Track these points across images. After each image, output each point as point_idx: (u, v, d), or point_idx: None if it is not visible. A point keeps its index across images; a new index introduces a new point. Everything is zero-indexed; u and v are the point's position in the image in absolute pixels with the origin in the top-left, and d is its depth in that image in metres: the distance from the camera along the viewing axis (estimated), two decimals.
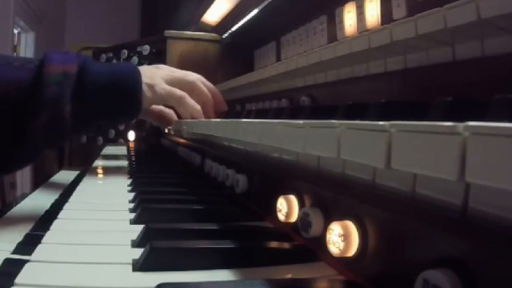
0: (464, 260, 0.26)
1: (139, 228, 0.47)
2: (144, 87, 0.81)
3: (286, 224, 0.48)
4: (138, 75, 0.80)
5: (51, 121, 0.69)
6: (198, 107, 0.91)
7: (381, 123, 0.28)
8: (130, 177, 0.89)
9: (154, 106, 0.96)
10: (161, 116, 1.01)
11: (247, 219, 0.57)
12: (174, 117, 1.01)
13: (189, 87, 0.92)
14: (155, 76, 0.86)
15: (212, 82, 1.01)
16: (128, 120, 0.85)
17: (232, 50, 1.60)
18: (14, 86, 0.68)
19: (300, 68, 0.75)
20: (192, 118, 0.90)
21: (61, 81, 0.70)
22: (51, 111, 0.69)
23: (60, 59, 0.72)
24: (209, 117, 0.93)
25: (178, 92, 0.88)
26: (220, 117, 0.93)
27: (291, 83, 0.90)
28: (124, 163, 1.18)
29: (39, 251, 0.41)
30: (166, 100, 0.87)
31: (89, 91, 0.73)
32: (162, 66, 0.92)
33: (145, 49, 1.72)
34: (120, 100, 0.77)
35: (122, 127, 1.82)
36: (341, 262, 0.38)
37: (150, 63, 1.67)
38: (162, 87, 0.85)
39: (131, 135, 1.81)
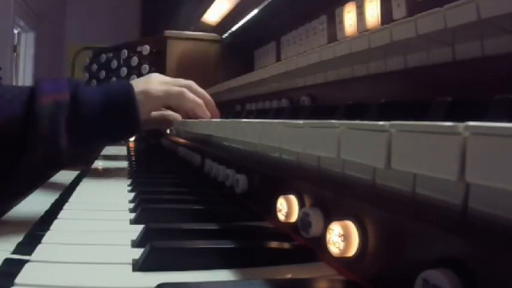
0: (464, 260, 0.26)
1: (139, 228, 0.47)
2: (140, 97, 0.79)
3: (286, 224, 0.48)
4: (130, 88, 0.79)
5: (46, 156, 0.68)
6: (199, 100, 0.89)
7: (380, 123, 0.28)
8: (130, 177, 0.89)
9: (154, 112, 0.92)
10: (164, 119, 0.98)
11: (247, 219, 0.57)
12: (177, 116, 0.98)
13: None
14: (149, 80, 0.85)
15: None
16: (130, 135, 0.84)
17: (232, 50, 1.60)
18: (6, 122, 0.66)
19: (300, 68, 0.75)
20: (195, 115, 0.88)
21: (54, 112, 0.68)
22: (46, 146, 0.67)
23: (51, 88, 0.70)
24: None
25: (176, 88, 0.87)
26: (220, 118, 0.92)
27: (291, 83, 0.90)
28: (124, 163, 1.18)
29: (39, 251, 0.41)
30: (166, 101, 0.86)
31: (84, 117, 0.71)
32: (152, 74, 0.90)
33: (145, 49, 1.72)
34: (117, 118, 0.76)
35: None
36: (341, 262, 0.38)
37: (150, 63, 1.67)
38: (159, 88, 0.84)
39: None
